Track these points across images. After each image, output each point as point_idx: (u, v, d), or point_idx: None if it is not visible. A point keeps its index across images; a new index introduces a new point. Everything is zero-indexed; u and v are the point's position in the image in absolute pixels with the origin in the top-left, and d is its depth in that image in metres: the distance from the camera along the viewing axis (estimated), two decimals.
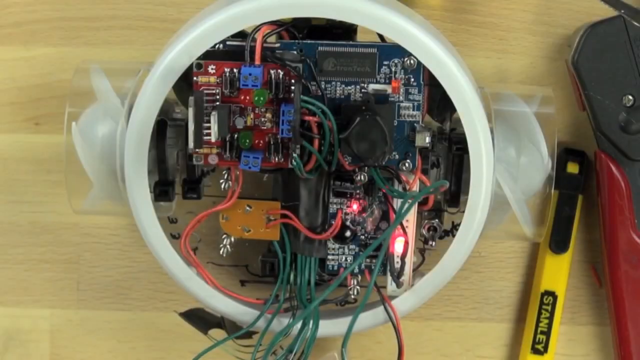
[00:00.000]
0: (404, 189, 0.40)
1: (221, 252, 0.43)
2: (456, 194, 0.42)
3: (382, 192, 0.41)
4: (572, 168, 0.48)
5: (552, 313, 0.48)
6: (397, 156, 0.40)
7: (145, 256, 0.50)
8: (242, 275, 0.47)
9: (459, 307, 0.50)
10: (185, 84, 0.39)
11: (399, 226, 0.40)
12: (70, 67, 0.45)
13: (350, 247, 0.43)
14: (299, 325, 0.41)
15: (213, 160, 0.40)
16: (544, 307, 0.48)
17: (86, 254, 0.50)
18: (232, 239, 0.43)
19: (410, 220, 0.41)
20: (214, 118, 0.37)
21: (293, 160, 0.38)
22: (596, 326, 0.50)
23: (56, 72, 0.49)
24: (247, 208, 0.42)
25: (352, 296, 0.43)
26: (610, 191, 0.46)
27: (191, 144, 0.38)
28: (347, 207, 0.42)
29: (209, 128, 0.38)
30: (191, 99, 0.38)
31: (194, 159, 0.40)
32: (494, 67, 0.49)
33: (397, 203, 0.41)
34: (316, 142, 0.38)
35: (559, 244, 0.48)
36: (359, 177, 0.40)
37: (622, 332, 0.47)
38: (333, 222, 0.42)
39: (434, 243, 0.43)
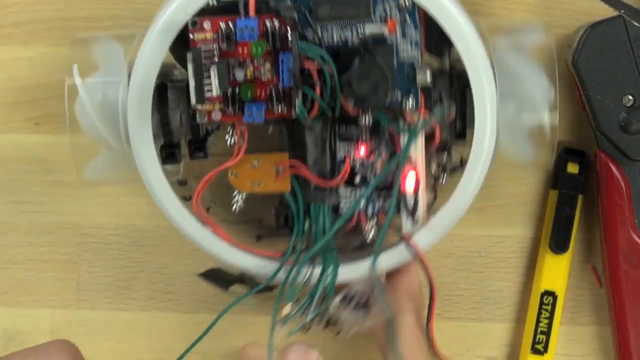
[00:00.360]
0: (409, 127, 0.41)
1: (233, 208, 0.43)
2: (462, 129, 0.42)
3: (388, 133, 0.41)
4: (572, 168, 0.48)
5: (552, 313, 0.48)
6: (399, 96, 0.40)
7: (145, 256, 0.50)
8: (257, 230, 0.47)
9: (458, 307, 0.50)
10: (182, 44, 0.39)
11: (409, 163, 0.41)
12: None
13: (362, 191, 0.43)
14: (318, 272, 0.41)
15: (216, 116, 0.40)
16: (544, 307, 0.48)
17: (86, 254, 0.50)
18: (244, 195, 0.43)
19: (418, 152, 0.41)
20: (213, 72, 0.37)
21: (296, 108, 0.39)
22: (596, 326, 0.50)
23: (56, 72, 0.49)
24: (255, 162, 0.42)
25: (368, 240, 0.43)
26: (610, 191, 0.46)
27: (193, 100, 0.38)
28: (355, 151, 0.42)
29: (209, 84, 0.38)
30: (189, 54, 0.38)
31: (197, 117, 0.40)
32: None
33: (404, 141, 0.41)
34: (317, 89, 0.39)
35: (559, 244, 0.48)
36: (363, 120, 0.40)
37: (622, 332, 0.47)
38: (342, 168, 0.42)
39: (444, 179, 0.43)
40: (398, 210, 0.42)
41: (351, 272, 0.41)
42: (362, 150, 0.42)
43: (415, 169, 0.41)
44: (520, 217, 0.49)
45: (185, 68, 0.39)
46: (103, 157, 0.42)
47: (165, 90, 0.41)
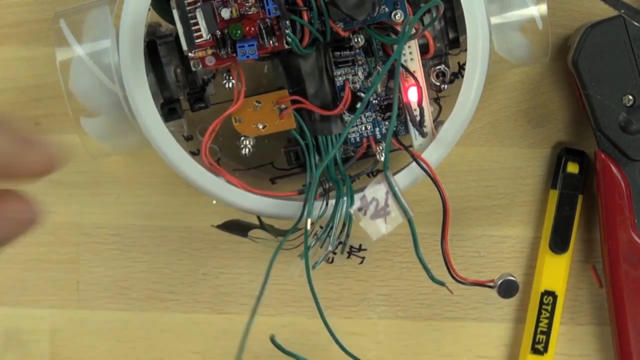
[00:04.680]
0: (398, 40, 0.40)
1: (243, 152, 0.43)
2: (454, 36, 0.42)
3: (382, 51, 0.42)
4: (572, 168, 0.48)
5: (552, 313, 0.48)
6: (386, 9, 0.40)
7: (146, 256, 0.50)
8: (270, 174, 0.47)
9: (459, 307, 0.50)
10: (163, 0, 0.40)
11: (409, 76, 0.41)
12: None
13: (367, 115, 0.43)
14: (332, 203, 0.41)
15: (210, 61, 0.40)
16: (544, 307, 0.48)
17: (86, 254, 0.50)
18: (251, 140, 0.43)
19: (416, 63, 0.41)
20: (199, 15, 0.38)
21: (287, 37, 0.39)
22: (596, 326, 0.50)
23: (56, 72, 0.49)
24: (257, 104, 0.42)
25: (379, 165, 0.43)
26: (610, 191, 0.46)
27: (184, 46, 0.38)
28: (353, 75, 0.42)
29: (198, 30, 0.38)
30: (172, 1, 0.38)
31: (192, 65, 0.40)
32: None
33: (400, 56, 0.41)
34: (305, 15, 0.38)
35: (559, 244, 0.48)
36: (356, 40, 0.40)
37: (622, 332, 0.47)
38: (343, 95, 0.42)
39: (445, 86, 0.43)
40: (406, 128, 0.42)
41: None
42: (360, 73, 0.42)
43: (415, 79, 0.41)
44: (520, 217, 0.49)
45: (170, 22, 0.40)
46: (106, 126, 0.42)
47: (156, 47, 0.42)
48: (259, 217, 0.43)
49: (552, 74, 0.49)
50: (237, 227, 0.44)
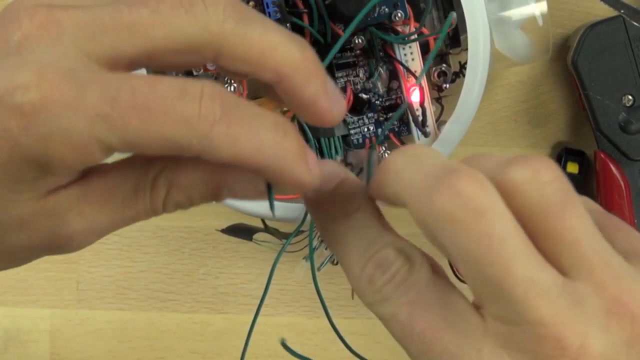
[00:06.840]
0: (403, 39, 0.41)
1: None
2: (455, 35, 0.42)
3: (383, 52, 0.42)
4: (572, 168, 0.48)
5: None
6: (386, 10, 0.40)
7: (145, 256, 0.50)
8: None
9: None
10: None
11: (411, 77, 0.41)
12: None
13: (369, 116, 0.43)
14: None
15: (212, 65, 0.40)
16: None
17: (86, 254, 0.50)
18: None
19: (417, 63, 0.41)
20: None
21: None
22: None
23: None
24: None
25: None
26: (610, 191, 0.46)
27: None
28: (355, 77, 0.42)
29: None
30: None
31: (193, 70, 0.40)
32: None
33: (400, 55, 0.41)
34: (305, 17, 0.39)
35: None
36: (356, 41, 0.40)
37: None
38: (345, 96, 0.42)
39: (447, 85, 0.43)
40: (408, 128, 0.42)
41: None
42: (361, 74, 0.42)
43: (419, 85, 0.41)
44: None
45: None
46: None
47: None
48: (263, 220, 0.43)
49: (552, 74, 0.49)
50: (241, 231, 0.44)
